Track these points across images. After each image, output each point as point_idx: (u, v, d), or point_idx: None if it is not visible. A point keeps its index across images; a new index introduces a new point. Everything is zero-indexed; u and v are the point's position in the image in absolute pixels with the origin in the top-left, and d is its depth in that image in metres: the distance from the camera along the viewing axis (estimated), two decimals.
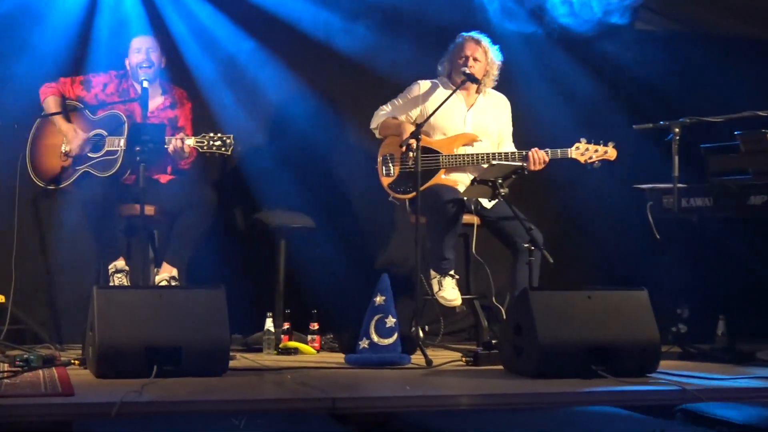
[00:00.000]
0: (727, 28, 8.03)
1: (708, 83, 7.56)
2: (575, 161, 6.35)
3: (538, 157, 6.29)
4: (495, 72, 6.53)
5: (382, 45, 7.29)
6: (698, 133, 6.16)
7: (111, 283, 6.03)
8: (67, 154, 6.22)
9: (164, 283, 6.07)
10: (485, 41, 6.49)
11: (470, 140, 6.46)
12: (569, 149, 6.35)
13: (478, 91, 6.54)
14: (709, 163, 6.00)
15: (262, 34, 7.16)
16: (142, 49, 6.27)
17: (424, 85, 6.55)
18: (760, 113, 6.01)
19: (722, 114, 6.15)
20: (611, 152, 6.35)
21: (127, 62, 6.34)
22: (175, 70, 6.61)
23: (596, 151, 6.33)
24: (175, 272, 6.15)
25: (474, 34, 6.51)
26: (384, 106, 6.61)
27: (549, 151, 6.33)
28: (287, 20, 7.17)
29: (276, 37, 7.18)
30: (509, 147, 6.58)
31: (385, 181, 6.52)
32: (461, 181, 6.40)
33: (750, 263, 6.12)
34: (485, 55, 6.47)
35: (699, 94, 7.25)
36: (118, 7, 6.81)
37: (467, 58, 6.43)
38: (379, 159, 6.57)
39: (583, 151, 6.33)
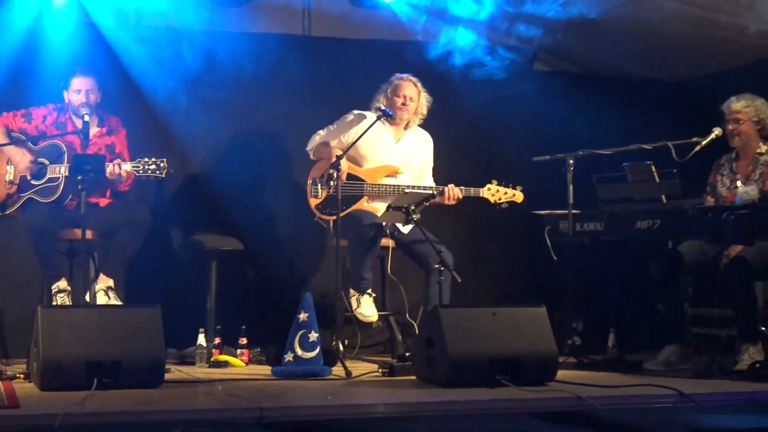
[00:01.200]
0: (617, 69, 8.18)
1: (599, 119, 7.67)
2: (485, 200, 6.45)
3: (453, 193, 6.38)
4: (424, 111, 6.60)
5: (308, 83, 7.35)
6: (591, 164, 6.25)
7: (54, 302, 5.95)
8: (11, 182, 6.16)
9: (101, 291, 6.03)
10: (419, 83, 6.56)
11: (393, 172, 6.52)
12: (481, 189, 6.46)
13: (406, 127, 6.59)
14: (599, 191, 6.07)
15: (198, 69, 7.18)
16: (82, 91, 6.21)
17: (359, 115, 6.56)
18: (645, 146, 6.13)
19: (612, 147, 6.27)
20: (518, 195, 6.48)
21: (66, 95, 6.27)
22: (114, 98, 6.55)
23: (506, 193, 6.46)
24: (111, 282, 6.10)
25: (410, 75, 6.57)
26: (320, 131, 6.60)
27: (463, 188, 6.41)
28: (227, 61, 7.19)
29: (211, 75, 7.20)
30: (429, 181, 6.64)
31: (313, 202, 6.51)
32: (382, 209, 6.43)
33: (637, 282, 6.22)
34: (419, 96, 6.55)
35: (592, 128, 7.37)
36: (56, 41, 6.75)
37: (405, 97, 6.50)
38: (309, 181, 6.55)
39: (494, 192, 6.45)
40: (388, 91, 6.55)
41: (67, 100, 6.28)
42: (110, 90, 6.48)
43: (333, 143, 6.48)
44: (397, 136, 6.60)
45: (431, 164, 6.74)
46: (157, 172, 6.02)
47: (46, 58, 6.69)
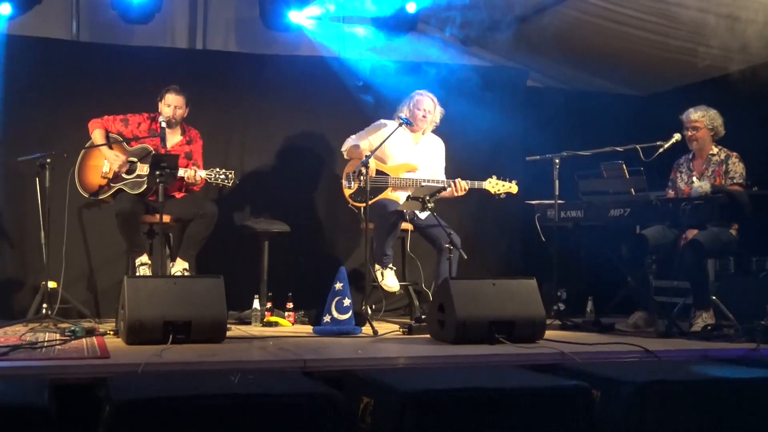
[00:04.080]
0: (595, 86, 8.13)
1: (580, 125, 7.64)
2: (486, 191, 6.42)
3: (460, 186, 6.34)
4: (437, 120, 6.57)
5: (340, 99, 7.33)
6: (573, 163, 6.21)
7: (137, 273, 5.97)
8: (104, 176, 6.17)
9: (178, 273, 6.02)
10: (435, 98, 6.53)
11: (412, 168, 6.49)
12: (484, 182, 6.42)
13: (423, 133, 6.57)
14: (580, 185, 6.04)
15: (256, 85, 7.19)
16: (171, 106, 6.18)
17: (384, 123, 6.52)
18: (618, 148, 6.09)
19: (590, 149, 6.23)
20: (514, 188, 6.44)
21: (160, 106, 6.23)
22: (195, 112, 6.51)
23: (503, 185, 6.41)
24: (186, 265, 6.10)
25: (429, 92, 6.53)
26: (353, 136, 6.54)
27: (469, 182, 6.38)
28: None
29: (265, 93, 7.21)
30: (441, 177, 6.59)
31: (347, 192, 6.50)
32: (403, 197, 6.40)
33: (609, 258, 6.17)
34: (435, 108, 6.52)
35: (573, 133, 7.33)
36: (153, 61, 6.85)
37: (425, 110, 6.47)
38: (344, 175, 6.55)
39: (494, 184, 6.41)
40: (411, 104, 6.50)
41: (159, 110, 6.25)
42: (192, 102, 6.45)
43: (362, 145, 6.47)
44: (416, 140, 6.57)
45: (443, 163, 6.69)
46: (225, 181, 6.04)
47: (147, 74, 6.77)
